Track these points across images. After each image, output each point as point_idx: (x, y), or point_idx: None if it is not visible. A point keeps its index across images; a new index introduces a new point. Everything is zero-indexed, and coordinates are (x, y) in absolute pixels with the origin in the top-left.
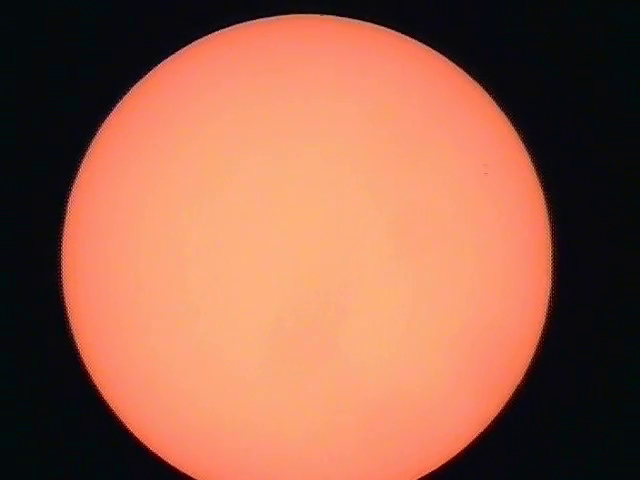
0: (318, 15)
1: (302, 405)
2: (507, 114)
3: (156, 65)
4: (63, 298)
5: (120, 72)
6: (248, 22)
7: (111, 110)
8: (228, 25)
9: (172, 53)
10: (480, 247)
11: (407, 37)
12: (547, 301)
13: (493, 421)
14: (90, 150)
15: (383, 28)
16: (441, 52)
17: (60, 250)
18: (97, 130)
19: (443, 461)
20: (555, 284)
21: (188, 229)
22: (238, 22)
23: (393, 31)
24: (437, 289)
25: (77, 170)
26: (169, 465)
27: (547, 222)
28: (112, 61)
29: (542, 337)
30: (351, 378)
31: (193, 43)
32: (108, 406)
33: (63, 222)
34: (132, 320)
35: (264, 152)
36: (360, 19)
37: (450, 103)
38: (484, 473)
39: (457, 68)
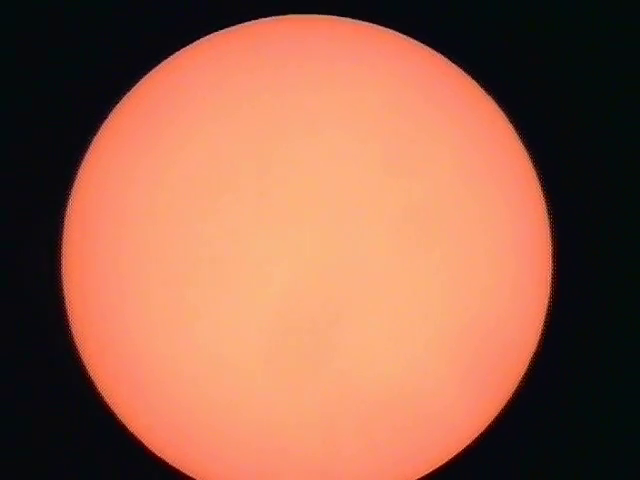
0: (318, 15)
1: (302, 406)
2: (507, 114)
3: (156, 65)
4: (63, 298)
5: (120, 72)
6: (248, 22)
7: (111, 110)
8: (228, 25)
9: (172, 53)
10: (480, 249)
11: (407, 37)
12: (547, 302)
13: (493, 422)
14: (90, 151)
15: (383, 28)
16: (441, 52)
17: (60, 251)
18: (97, 131)
19: (443, 462)
20: (555, 285)
21: (189, 230)
22: (238, 22)
23: (393, 31)
24: (438, 290)
25: (77, 171)
26: (169, 465)
27: (547, 222)
28: (112, 61)
29: (542, 338)
30: (352, 379)
31: (193, 43)
32: (108, 406)
33: (63, 223)
34: (132, 320)
35: (265, 152)
36: (360, 19)
37: (450, 103)
38: (484, 474)
39: (457, 68)
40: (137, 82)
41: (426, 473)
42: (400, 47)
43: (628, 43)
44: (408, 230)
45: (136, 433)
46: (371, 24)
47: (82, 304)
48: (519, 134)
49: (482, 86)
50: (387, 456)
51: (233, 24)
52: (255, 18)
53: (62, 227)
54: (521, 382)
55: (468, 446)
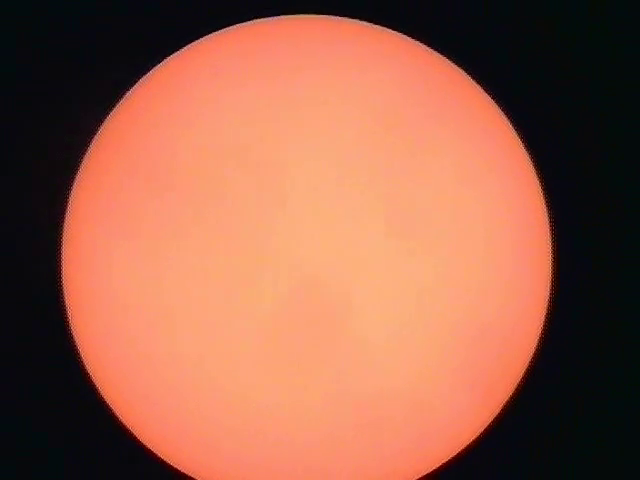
0: (318, 15)
1: (303, 406)
2: (507, 114)
3: (156, 65)
4: (63, 297)
5: (120, 72)
6: (248, 22)
7: (110, 110)
8: (228, 25)
9: (172, 53)
10: (479, 246)
11: (407, 37)
12: (547, 301)
13: (493, 421)
14: (90, 151)
15: (383, 28)
16: (441, 52)
17: (60, 251)
18: (96, 131)
19: (443, 461)
20: (556, 283)
21: (188, 229)
22: (238, 22)
23: (393, 31)
24: (438, 291)
25: (76, 171)
26: (169, 465)
27: (547, 221)
28: (112, 61)
29: (542, 337)
30: (351, 378)
31: (193, 43)
32: (108, 406)
33: (63, 223)
34: (132, 320)
35: (264, 154)
36: (360, 19)
37: (450, 103)
38: (484, 473)
39: (457, 68)
40: (137, 82)
41: (426, 473)
42: (400, 47)
43: (629, 43)
44: (406, 228)
45: (136, 433)
46: (371, 24)
47: (82, 304)
48: (519, 133)
49: (482, 86)
50: (386, 455)
51: (233, 24)
52: (255, 18)
53: (62, 227)
54: (521, 382)
55: (468, 445)
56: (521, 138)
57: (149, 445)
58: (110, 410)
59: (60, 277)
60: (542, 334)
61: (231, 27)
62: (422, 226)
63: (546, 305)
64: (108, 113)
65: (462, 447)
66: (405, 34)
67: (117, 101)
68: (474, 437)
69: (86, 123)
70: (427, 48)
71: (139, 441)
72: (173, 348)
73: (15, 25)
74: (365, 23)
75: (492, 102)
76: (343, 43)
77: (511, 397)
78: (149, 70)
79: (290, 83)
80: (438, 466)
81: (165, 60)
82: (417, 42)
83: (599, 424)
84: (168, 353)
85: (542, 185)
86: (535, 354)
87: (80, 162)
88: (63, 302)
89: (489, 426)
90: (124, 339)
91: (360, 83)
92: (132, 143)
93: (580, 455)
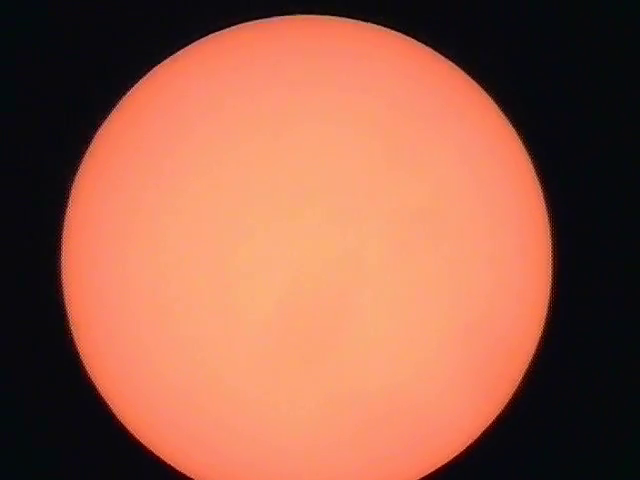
0: (320, 16)
1: (303, 407)
2: (507, 114)
3: (156, 65)
4: (62, 297)
5: (120, 72)
6: (248, 22)
7: (111, 110)
8: (228, 25)
9: (172, 53)
10: (478, 244)
11: (407, 37)
12: (547, 300)
13: (493, 422)
14: (89, 151)
15: (383, 28)
16: (441, 52)
17: (60, 252)
18: (96, 130)
19: (443, 462)
20: (556, 283)
21: (188, 229)
22: (238, 22)
23: (393, 31)
24: (439, 292)
25: (76, 171)
26: (168, 465)
27: (546, 220)
28: (111, 61)
29: (543, 336)
30: (352, 379)
31: (193, 43)
32: (107, 406)
33: (63, 222)
34: (132, 320)
35: (267, 154)
36: (360, 19)
37: (450, 103)
38: (484, 474)
39: (457, 68)
40: (137, 82)
41: (427, 473)
42: (400, 47)
43: (629, 43)
44: (405, 229)
45: (136, 433)
46: (371, 24)
47: (82, 304)
48: (519, 133)
49: (482, 86)
50: (387, 456)
51: (233, 24)
52: (255, 18)
53: (62, 226)
54: (521, 383)
55: (469, 446)
56: (521, 138)
57: (149, 445)
58: (110, 410)
59: (60, 276)
60: (543, 336)
61: (231, 27)
62: (421, 227)
63: (546, 306)
64: (108, 113)
65: (462, 448)
66: (405, 34)
67: (117, 101)
68: (473, 438)
69: (85, 123)
70: (427, 48)
71: (139, 441)
72: (173, 349)
73: (15, 24)
74: (365, 23)
75: (492, 102)
76: (344, 43)
77: (511, 399)
78: (148, 71)
79: (291, 82)
80: (438, 467)
81: (164, 60)
82: (417, 42)
83: (600, 424)
84: (168, 354)
85: (542, 185)
86: (536, 356)
87: (80, 162)
88: (63, 302)
89: (490, 427)
90: (124, 339)
91: (360, 84)
92: (132, 143)
93: (580, 457)
